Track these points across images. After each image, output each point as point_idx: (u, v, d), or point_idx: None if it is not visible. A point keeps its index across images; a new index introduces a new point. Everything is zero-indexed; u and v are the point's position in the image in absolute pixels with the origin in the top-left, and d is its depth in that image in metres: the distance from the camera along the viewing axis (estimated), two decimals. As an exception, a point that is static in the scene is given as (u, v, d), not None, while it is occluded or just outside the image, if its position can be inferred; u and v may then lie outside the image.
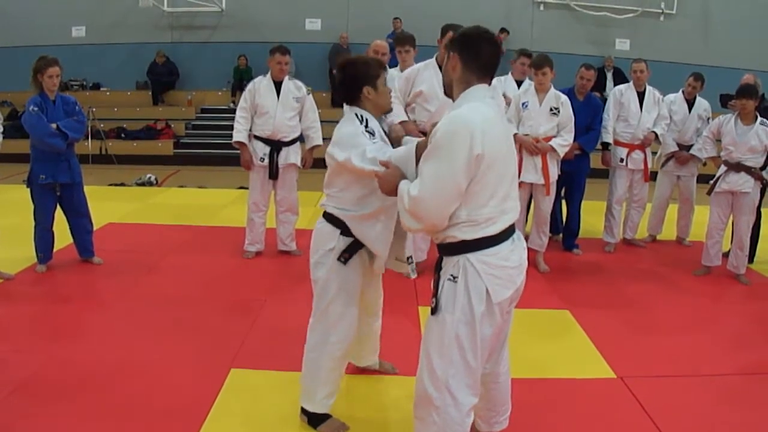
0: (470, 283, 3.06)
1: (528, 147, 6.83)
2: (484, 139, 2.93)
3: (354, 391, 4.42)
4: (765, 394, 4.68)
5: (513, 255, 3.15)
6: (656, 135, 7.92)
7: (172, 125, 16.81)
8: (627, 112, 7.90)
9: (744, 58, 15.17)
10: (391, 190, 3.21)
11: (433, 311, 3.17)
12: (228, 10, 17.74)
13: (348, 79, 3.75)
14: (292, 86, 7.04)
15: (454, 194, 2.96)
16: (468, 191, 2.97)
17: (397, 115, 6.33)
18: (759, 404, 4.50)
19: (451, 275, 3.10)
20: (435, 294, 3.17)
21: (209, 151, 15.67)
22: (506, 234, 3.12)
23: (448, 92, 3.27)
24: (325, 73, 16.88)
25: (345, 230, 3.72)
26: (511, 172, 3.16)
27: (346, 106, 3.86)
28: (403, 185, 3.11)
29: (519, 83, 7.83)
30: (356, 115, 3.70)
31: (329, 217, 3.78)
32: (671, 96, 8.19)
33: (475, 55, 3.13)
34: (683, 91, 8.17)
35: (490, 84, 3.21)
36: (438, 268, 3.21)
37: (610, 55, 16.77)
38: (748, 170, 6.87)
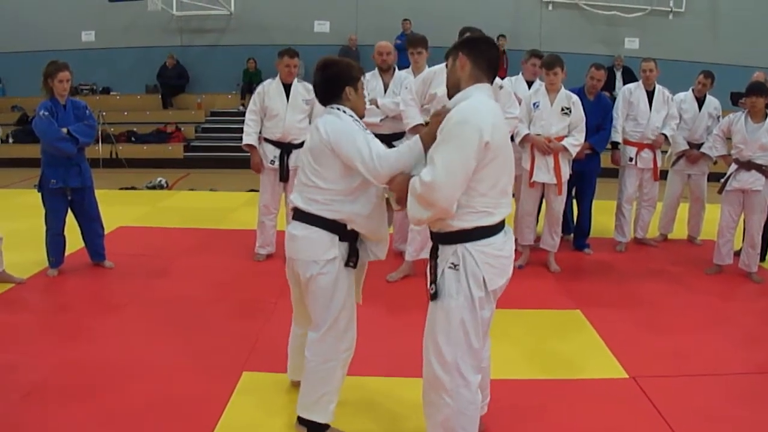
0: (469, 270, 3.23)
1: (540, 147, 6.82)
2: (493, 130, 3.12)
3: (359, 395, 4.42)
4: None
5: (506, 246, 3.36)
6: (666, 136, 7.91)
7: (182, 128, 16.91)
8: (636, 111, 7.87)
9: (754, 56, 15.09)
10: (405, 192, 3.32)
11: (433, 297, 3.31)
12: (237, 13, 17.81)
13: (332, 78, 3.73)
14: (301, 88, 7.03)
15: (465, 179, 3.12)
16: (471, 178, 3.14)
17: (413, 117, 6.32)
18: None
19: (452, 263, 3.26)
20: (434, 280, 3.30)
21: (219, 154, 15.67)
22: (500, 226, 3.32)
23: (452, 94, 3.39)
24: (333, 75, 16.82)
25: (343, 234, 3.67)
26: (509, 168, 3.34)
27: (321, 107, 3.83)
28: (414, 179, 3.22)
29: (530, 84, 7.81)
30: (338, 109, 3.68)
31: (321, 222, 3.65)
32: (681, 94, 8.16)
33: (483, 55, 3.36)
34: (693, 90, 8.14)
35: (491, 84, 3.41)
36: (434, 255, 3.34)
37: (620, 54, 16.74)
38: (759, 168, 6.83)
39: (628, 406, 4.35)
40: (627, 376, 4.75)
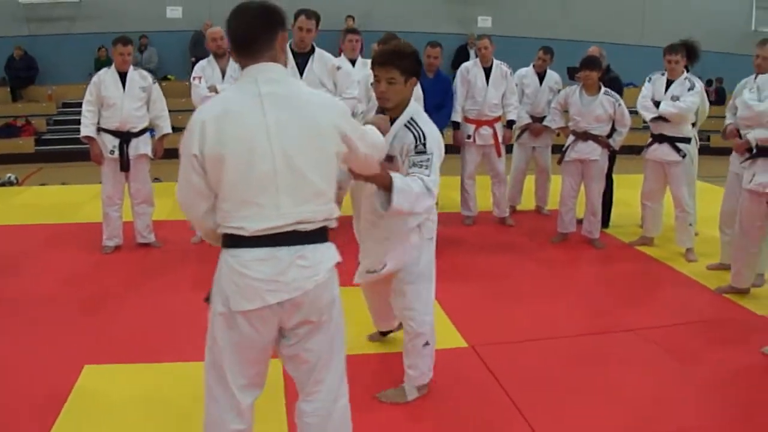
0: (217, 280, 2.80)
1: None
2: (206, 138, 2.63)
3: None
4: (611, 351, 4.94)
5: (262, 266, 2.68)
6: (511, 123, 8.20)
7: (33, 121, 16.29)
8: (474, 89, 7.93)
9: (601, 32, 15.68)
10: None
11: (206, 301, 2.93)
12: (86, 0, 17.21)
13: None
14: (137, 76, 6.95)
15: (192, 192, 2.76)
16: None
17: None
18: (604, 361, 4.76)
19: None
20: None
21: (72, 147, 14.97)
22: (256, 241, 2.69)
23: None
24: (186, 61, 16.47)
25: None
26: (258, 173, 2.65)
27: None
28: None
29: (353, 62, 7.69)
30: None
31: None
32: (523, 70, 8.41)
33: (230, 31, 2.86)
34: (534, 65, 8.41)
35: (277, 61, 2.80)
36: None
37: (473, 33, 17.00)
38: (595, 138, 7.14)
39: (465, 374, 4.53)
40: (466, 345, 4.92)
